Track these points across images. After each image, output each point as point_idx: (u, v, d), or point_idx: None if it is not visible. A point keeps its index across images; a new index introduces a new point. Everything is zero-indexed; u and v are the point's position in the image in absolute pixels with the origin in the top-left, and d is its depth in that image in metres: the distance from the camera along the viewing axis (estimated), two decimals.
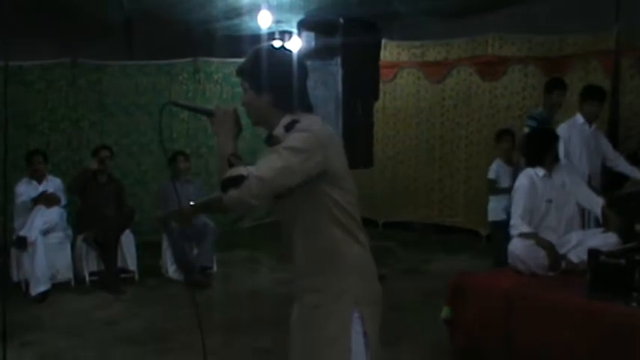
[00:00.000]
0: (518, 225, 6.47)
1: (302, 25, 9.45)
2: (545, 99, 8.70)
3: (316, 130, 3.28)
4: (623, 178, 8.30)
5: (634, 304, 5.22)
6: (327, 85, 8.75)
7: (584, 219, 7.15)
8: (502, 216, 8.57)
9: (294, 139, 3.22)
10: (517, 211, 6.56)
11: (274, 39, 12.19)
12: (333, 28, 8.77)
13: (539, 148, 6.78)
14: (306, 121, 3.32)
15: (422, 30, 12.04)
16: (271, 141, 3.39)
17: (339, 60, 8.63)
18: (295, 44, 10.77)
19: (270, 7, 10.11)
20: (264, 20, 10.36)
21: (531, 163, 6.78)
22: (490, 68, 11.73)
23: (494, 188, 8.96)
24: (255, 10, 10.45)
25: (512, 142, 9.05)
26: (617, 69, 9.61)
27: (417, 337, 7.09)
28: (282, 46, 3.52)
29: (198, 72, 12.72)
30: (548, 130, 7.21)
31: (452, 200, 11.98)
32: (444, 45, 12.27)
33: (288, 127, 3.31)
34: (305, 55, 9.33)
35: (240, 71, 3.47)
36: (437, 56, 12.38)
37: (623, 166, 8.31)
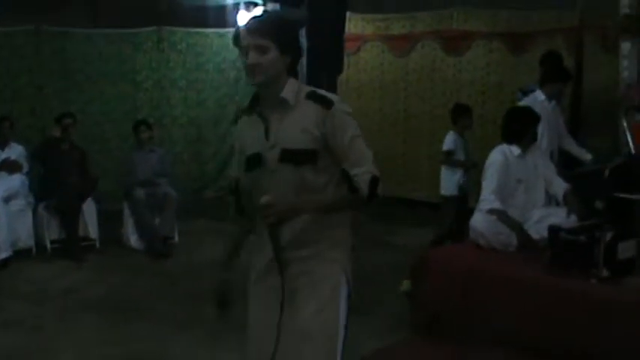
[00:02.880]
0: (491, 200, 6.36)
1: None
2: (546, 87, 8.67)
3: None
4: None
5: (593, 280, 5.25)
6: None
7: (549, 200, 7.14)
8: (454, 192, 8.65)
9: (353, 125, 3.44)
10: (490, 186, 6.45)
11: (238, 10, 12.10)
12: None
13: (520, 126, 6.70)
14: (322, 92, 3.49)
15: (387, 3, 11.98)
16: (267, 106, 3.47)
17: (303, 32, 8.54)
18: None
19: None
20: None
21: (508, 140, 6.71)
22: (454, 43, 11.66)
23: (450, 159, 8.77)
24: None
25: (471, 117, 8.98)
26: (580, 45, 9.62)
27: (380, 309, 7.12)
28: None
29: (162, 41, 12.63)
30: (530, 110, 7.13)
31: (416, 174, 11.96)
32: (409, 18, 12.21)
33: (321, 99, 3.42)
34: None
35: (265, 30, 3.39)
36: (401, 30, 12.33)
37: (571, 145, 8.32)
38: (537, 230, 6.21)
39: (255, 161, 3.47)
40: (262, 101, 3.50)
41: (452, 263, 6.26)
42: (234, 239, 3.89)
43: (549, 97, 8.08)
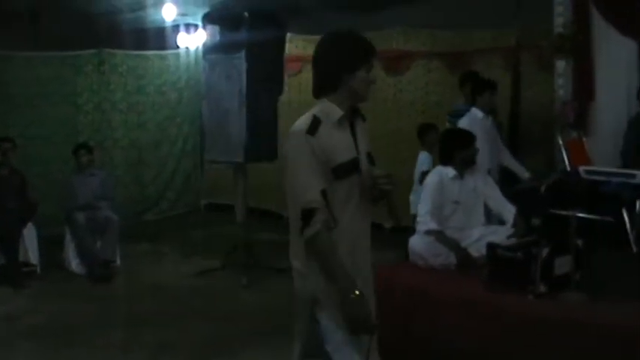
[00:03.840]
0: (427, 221, 6.43)
1: (206, 19, 9.33)
2: (464, 93, 8.85)
3: None
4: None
5: (530, 296, 5.31)
6: (231, 78, 8.66)
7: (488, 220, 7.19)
8: None
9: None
10: (425, 207, 6.53)
11: (179, 32, 12.08)
12: (238, 21, 8.67)
13: (451, 148, 6.76)
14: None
15: (328, 24, 11.99)
16: (350, 117, 3.77)
17: (243, 54, 8.53)
18: (200, 38, 10.67)
19: (174, 0, 10.03)
20: (169, 13, 10.27)
21: (442, 162, 6.78)
22: (395, 63, 11.73)
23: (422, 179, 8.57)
24: (159, 2, 10.35)
25: (437, 133, 8.85)
26: (517, 64, 9.73)
27: None
28: None
29: (103, 63, 12.56)
30: (462, 132, 7.19)
31: None
32: None
33: (360, 114, 3.88)
34: (209, 49, 9.24)
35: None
36: None
37: (510, 160, 8.43)
38: (477, 248, 6.28)
39: (351, 167, 3.62)
40: (347, 114, 3.71)
41: (392, 284, 6.22)
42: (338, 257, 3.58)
43: (485, 112, 8.19)
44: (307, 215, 3.43)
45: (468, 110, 8.55)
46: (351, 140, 3.67)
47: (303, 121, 3.63)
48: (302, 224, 3.46)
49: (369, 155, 3.75)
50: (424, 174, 8.58)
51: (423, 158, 8.90)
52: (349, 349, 3.56)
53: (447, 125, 8.79)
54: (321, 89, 3.78)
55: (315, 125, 3.58)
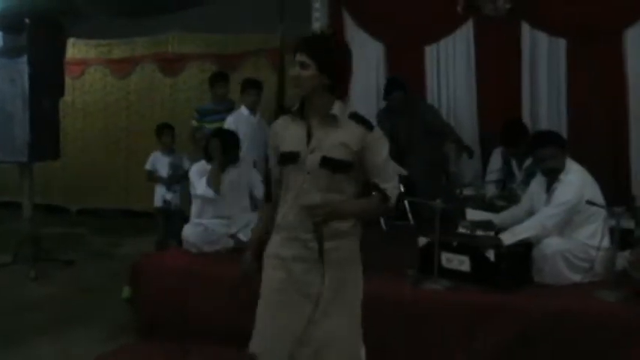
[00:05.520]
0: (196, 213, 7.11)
1: None
2: (212, 92, 9.30)
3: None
4: None
5: None
6: (14, 82, 8.67)
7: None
8: (157, 204, 9.18)
9: (387, 148, 3.86)
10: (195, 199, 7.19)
11: None
12: (20, 27, 8.73)
13: (227, 146, 7.17)
14: (365, 117, 3.87)
15: (108, 29, 12.19)
16: (327, 118, 3.80)
17: (25, 58, 8.62)
18: None
19: None
20: None
21: (207, 159, 7.17)
22: (170, 65, 12.34)
23: (152, 177, 9.28)
24: None
25: (172, 135, 9.36)
26: (282, 65, 10.18)
27: (105, 317, 7.15)
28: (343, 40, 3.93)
29: None
30: (221, 132, 7.60)
31: (137, 186, 12.04)
32: (129, 43, 12.69)
33: (363, 121, 3.82)
34: None
35: (307, 49, 3.75)
36: (122, 54, 12.81)
37: None
38: (245, 234, 6.62)
39: (290, 158, 3.82)
40: (308, 111, 3.82)
41: (168, 268, 6.61)
42: (260, 226, 4.17)
43: (252, 110, 8.65)
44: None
45: (213, 109, 9.13)
46: (303, 135, 3.82)
47: None
48: None
49: (325, 158, 3.74)
50: (148, 173, 9.32)
51: (152, 159, 9.43)
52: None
53: (193, 122, 9.21)
54: None
55: (277, 115, 4.05)
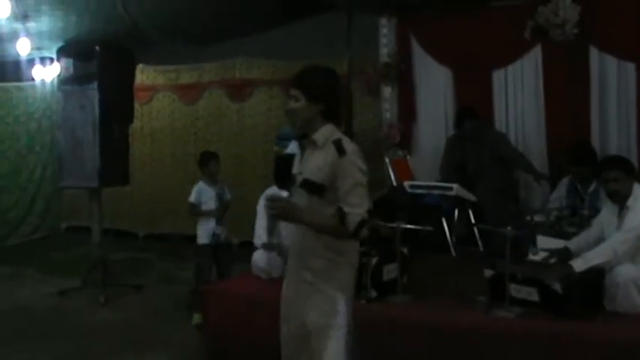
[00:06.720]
0: (261, 235, 6.78)
1: (61, 52, 9.37)
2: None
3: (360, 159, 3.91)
4: None
5: (363, 300, 5.61)
6: (84, 108, 8.71)
7: None
8: (205, 240, 8.25)
9: (357, 175, 3.86)
10: (261, 224, 6.84)
11: (34, 65, 12.02)
12: (90, 54, 8.76)
13: (287, 173, 6.97)
14: (346, 142, 3.86)
15: (176, 55, 12.19)
16: (307, 143, 3.99)
17: (96, 85, 8.64)
18: (55, 70, 10.68)
19: (29, 35, 10.00)
20: (24, 47, 10.25)
21: (278, 185, 6.89)
22: (238, 90, 12.14)
23: (196, 211, 8.42)
24: (14, 37, 10.30)
25: (218, 164, 8.58)
26: (349, 90, 10.10)
27: (173, 342, 7.16)
28: (330, 68, 4.07)
29: None
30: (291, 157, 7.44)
31: None
32: (197, 69, 12.56)
33: (338, 147, 3.83)
34: (64, 81, 9.26)
35: (295, 82, 3.97)
36: (190, 79, 12.68)
37: None
38: None
39: (293, 179, 4.13)
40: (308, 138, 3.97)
41: (237, 294, 6.51)
42: None
43: None
44: None
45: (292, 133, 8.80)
46: (302, 160, 4.06)
47: None
48: None
49: (305, 180, 3.95)
50: (191, 205, 8.42)
51: (196, 189, 8.52)
52: None
53: (275, 148, 9.08)
54: None
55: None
